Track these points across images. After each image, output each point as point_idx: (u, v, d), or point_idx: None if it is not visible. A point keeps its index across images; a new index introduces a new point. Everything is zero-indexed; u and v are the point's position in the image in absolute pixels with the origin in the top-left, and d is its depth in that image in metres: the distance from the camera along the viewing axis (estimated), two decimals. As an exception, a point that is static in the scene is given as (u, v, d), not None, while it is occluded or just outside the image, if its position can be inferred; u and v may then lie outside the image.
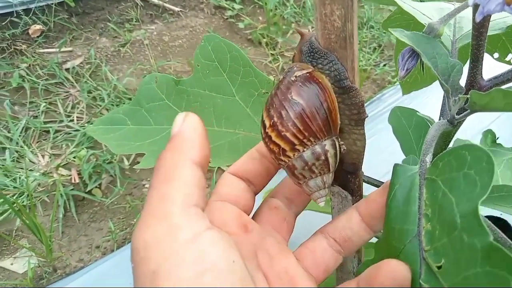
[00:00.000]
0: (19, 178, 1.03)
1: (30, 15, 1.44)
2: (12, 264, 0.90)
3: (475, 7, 0.23)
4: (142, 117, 0.39)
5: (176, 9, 1.64)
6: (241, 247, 0.23)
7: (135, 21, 1.56)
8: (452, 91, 0.27)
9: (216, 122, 0.39)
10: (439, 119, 0.34)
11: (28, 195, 0.98)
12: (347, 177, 0.28)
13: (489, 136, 0.66)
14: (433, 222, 0.20)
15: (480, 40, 0.27)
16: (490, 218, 0.51)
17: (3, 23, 1.40)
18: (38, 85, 1.26)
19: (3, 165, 1.05)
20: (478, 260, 0.17)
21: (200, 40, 1.51)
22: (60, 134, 1.16)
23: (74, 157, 1.09)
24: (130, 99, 1.26)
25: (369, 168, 0.30)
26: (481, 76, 0.29)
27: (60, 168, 1.08)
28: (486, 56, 0.30)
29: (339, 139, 0.25)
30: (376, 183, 0.38)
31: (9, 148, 1.10)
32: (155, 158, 0.38)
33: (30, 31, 1.42)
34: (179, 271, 0.17)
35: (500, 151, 0.51)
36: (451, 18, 0.29)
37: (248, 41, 1.56)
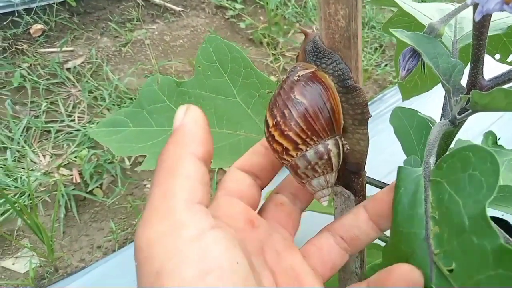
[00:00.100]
0: (21, 178, 1.03)
1: (32, 14, 1.44)
2: (13, 264, 0.90)
3: (475, 6, 0.23)
4: (143, 119, 0.39)
5: (177, 8, 1.64)
6: (248, 242, 0.23)
7: (136, 21, 1.57)
8: (454, 91, 0.27)
9: (217, 123, 0.39)
10: (441, 120, 0.35)
11: (29, 195, 0.99)
12: (350, 177, 0.28)
13: (490, 137, 0.67)
14: (441, 225, 0.20)
15: (480, 40, 0.27)
16: (492, 218, 0.51)
17: (5, 23, 1.40)
18: (39, 84, 1.26)
19: (4, 165, 1.06)
20: (490, 262, 0.17)
21: (201, 39, 1.51)
22: (61, 134, 1.16)
23: (75, 157, 1.10)
24: (131, 99, 1.26)
25: (370, 168, 0.30)
26: (482, 76, 0.29)
27: (61, 168, 1.08)
28: (487, 57, 0.30)
29: (342, 138, 0.25)
30: (378, 184, 0.38)
31: (10, 148, 1.10)
32: (157, 160, 0.38)
33: (31, 31, 1.42)
34: (183, 271, 0.17)
35: (502, 152, 0.51)
36: (451, 18, 0.29)
37: (249, 41, 1.56)
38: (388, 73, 1.46)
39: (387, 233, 0.26)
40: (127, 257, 0.82)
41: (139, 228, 0.19)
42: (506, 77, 0.28)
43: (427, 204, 0.21)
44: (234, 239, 0.20)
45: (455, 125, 0.29)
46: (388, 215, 0.24)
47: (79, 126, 1.18)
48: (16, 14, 1.42)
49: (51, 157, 1.10)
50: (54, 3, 1.48)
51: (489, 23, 0.26)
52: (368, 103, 0.25)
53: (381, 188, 0.37)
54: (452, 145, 0.37)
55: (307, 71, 0.24)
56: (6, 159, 1.07)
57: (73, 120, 1.20)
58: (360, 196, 0.29)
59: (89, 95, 1.26)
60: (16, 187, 1.01)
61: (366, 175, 0.29)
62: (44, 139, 1.15)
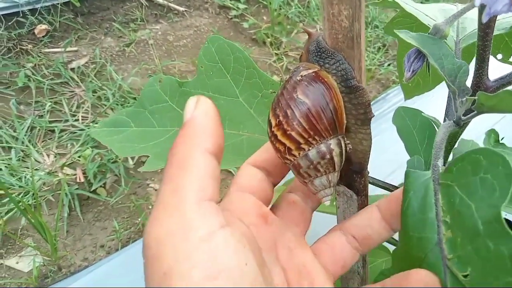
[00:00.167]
0: (25, 177, 1.04)
1: (36, 15, 1.45)
2: (17, 263, 0.91)
3: (481, 7, 0.23)
4: (145, 119, 0.39)
5: (181, 9, 1.65)
6: (260, 238, 0.22)
7: (140, 21, 1.57)
8: (459, 92, 0.27)
9: (220, 123, 0.39)
10: (444, 120, 0.34)
11: (33, 194, 0.99)
12: (353, 176, 0.28)
13: (492, 135, 0.66)
14: (453, 229, 0.20)
15: (486, 41, 0.27)
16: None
17: (9, 23, 1.41)
18: (44, 84, 1.27)
19: (9, 164, 1.06)
20: (508, 268, 0.17)
21: (205, 39, 1.51)
22: (65, 134, 1.17)
23: (79, 157, 1.10)
24: (134, 98, 1.26)
25: (373, 168, 0.30)
26: (487, 77, 0.29)
27: (65, 168, 1.08)
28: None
29: (345, 138, 0.25)
30: (381, 184, 0.38)
31: (14, 147, 1.10)
32: (159, 160, 0.38)
33: (36, 31, 1.43)
34: (191, 272, 0.17)
35: (504, 151, 0.51)
36: (456, 19, 0.28)
37: (252, 40, 1.56)
38: (391, 73, 1.46)
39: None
40: (130, 256, 0.83)
41: (148, 225, 0.19)
42: (511, 77, 0.28)
43: (437, 208, 0.21)
44: (244, 238, 0.20)
45: (460, 126, 0.29)
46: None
47: (83, 125, 1.19)
48: (21, 15, 1.43)
49: (55, 157, 1.11)
50: (58, 4, 1.48)
51: (494, 24, 0.26)
52: (371, 103, 0.25)
53: (383, 188, 0.38)
54: (455, 145, 0.37)
55: (310, 71, 0.24)
56: (10, 159, 1.07)
57: (77, 120, 1.21)
58: (362, 195, 0.29)
59: (93, 95, 1.27)
60: (20, 187, 1.02)
61: (369, 174, 0.29)
62: (48, 139, 1.16)
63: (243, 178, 0.26)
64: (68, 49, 1.41)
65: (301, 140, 0.23)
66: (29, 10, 1.44)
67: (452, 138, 0.35)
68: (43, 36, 1.43)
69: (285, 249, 0.24)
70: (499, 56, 0.43)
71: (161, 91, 0.38)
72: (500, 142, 0.67)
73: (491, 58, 0.43)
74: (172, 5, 1.65)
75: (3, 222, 0.95)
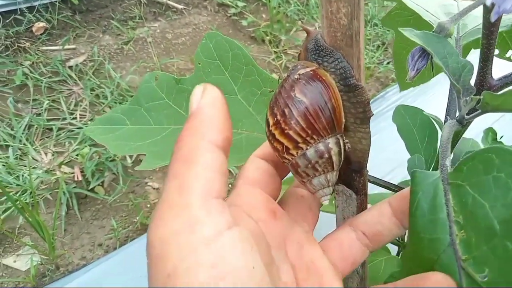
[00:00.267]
0: (22, 175, 1.04)
1: (34, 12, 1.44)
2: (15, 261, 0.90)
3: (491, 6, 0.22)
4: (141, 117, 0.38)
5: (180, 6, 1.64)
6: (269, 234, 0.22)
7: (138, 19, 1.56)
8: (463, 91, 0.26)
9: (218, 121, 0.39)
10: (445, 118, 0.34)
11: (31, 192, 0.99)
12: (352, 175, 0.28)
13: (490, 134, 0.66)
14: (466, 229, 0.19)
15: (490, 39, 0.27)
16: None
17: (7, 21, 1.40)
18: (41, 82, 1.26)
19: (6, 163, 1.06)
20: None
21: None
22: (63, 132, 1.16)
23: (77, 155, 1.10)
24: (132, 96, 1.26)
25: (372, 167, 0.29)
26: (491, 76, 0.29)
27: (63, 166, 1.08)
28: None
29: (344, 137, 0.24)
30: (380, 183, 0.37)
31: (12, 146, 1.10)
32: (156, 159, 0.37)
33: (33, 29, 1.42)
34: (197, 274, 0.16)
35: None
36: (462, 16, 0.28)
37: (251, 38, 1.56)
38: (390, 71, 1.46)
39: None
40: (128, 255, 0.82)
41: (152, 223, 0.18)
42: (515, 76, 0.28)
43: (449, 209, 0.21)
44: (251, 238, 0.19)
45: (463, 125, 0.28)
46: None
47: (81, 124, 1.19)
48: (19, 12, 1.42)
49: (52, 155, 1.11)
50: (56, 1, 1.48)
51: (499, 22, 0.26)
52: (370, 101, 0.24)
53: (383, 187, 0.37)
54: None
55: (308, 69, 0.23)
56: (8, 157, 1.07)
57: (75, 118, 1.20)
58: (361, 195, 0.29)
59: (91, 93, 1.26)
60: (17, 185, 1.01)
61: (368, 173, 0.29)
62: (46, 137, 1.15)
63: (251, 171, 0.25)
64: (66, 47, 1.40)
65: (299, 139, 0.23)
66: (27, 7, 1.44)
67: (455, 137, 0.34)
68: (41, 34, 1.42)
69: (294, 246, 0.24)
70: (496, 51, 0.43)
71: (158, 88, 0.37)
72: (499, 140, 0.67)
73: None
74: (170, 2, 1.64)
75: (1, 221, 0.94)
